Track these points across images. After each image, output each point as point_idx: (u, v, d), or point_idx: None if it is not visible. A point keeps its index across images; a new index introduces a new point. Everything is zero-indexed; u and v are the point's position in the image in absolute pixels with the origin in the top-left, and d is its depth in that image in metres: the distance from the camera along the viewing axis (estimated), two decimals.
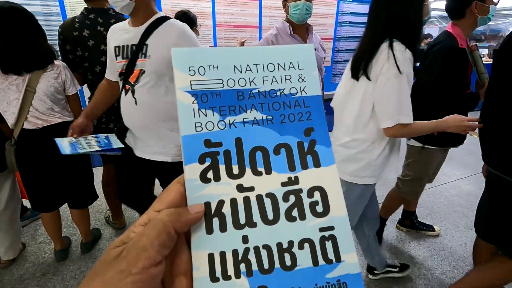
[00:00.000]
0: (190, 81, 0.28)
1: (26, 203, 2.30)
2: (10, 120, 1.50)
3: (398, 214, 2.22)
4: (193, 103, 0.27)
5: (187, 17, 2.26)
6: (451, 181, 2.98)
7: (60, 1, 2.61)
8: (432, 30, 9.55)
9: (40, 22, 1.61)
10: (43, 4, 2.56)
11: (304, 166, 0.28)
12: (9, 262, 1.81)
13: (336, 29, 3.98)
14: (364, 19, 4.51)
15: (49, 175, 1.63)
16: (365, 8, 4.05)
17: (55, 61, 1.53)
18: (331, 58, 4.10)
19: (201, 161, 0.26)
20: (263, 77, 0.29)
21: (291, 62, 0.30)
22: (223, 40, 3.34)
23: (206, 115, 0.27)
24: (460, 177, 3.05)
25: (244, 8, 3.33)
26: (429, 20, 9.95)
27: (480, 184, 2.90)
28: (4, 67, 1.40)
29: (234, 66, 0.29)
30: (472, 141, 4.29)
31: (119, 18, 1.70)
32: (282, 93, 0.29)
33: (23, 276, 1.75)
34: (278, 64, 0.29)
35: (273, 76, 0.29)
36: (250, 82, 0.29)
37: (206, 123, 0.27)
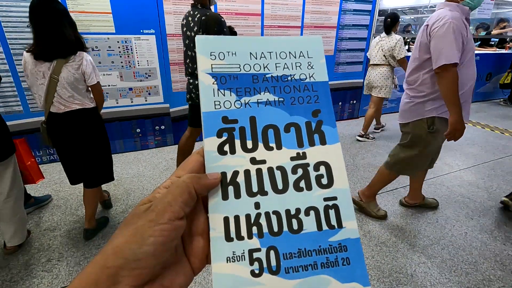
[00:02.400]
0: (211, 64, 0.31)
1: (30, 190, 2.32)
2: (38, 102, 1.70)
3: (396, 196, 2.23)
4: (213, 84, 0.30)
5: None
6: (453, 171, 2.97)
7: None
8: None
9: None
10: None
11: (312, 143, 0.30)
12: (15, 248, 1.84)
13: (339, 17, 3.90)
14: (369, 7, 4.43)
15: (71, 153, 1.82)
16: None
17: (80, 52, 1.65)
18: (334, 47, 4.04)
19: (219, 135, 0.29)
20: (276, 63, 0.32)
21: (301, 51, 0.33)
22: None
23: (224, 95, 0.30)
24: (462, 168, 3.05)
25: None
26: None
27: (481, 175, 2.90)
28: (36, 54, 1.55)
29: (250, 53, 0.32)
30: (474, 132, 4.29)
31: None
32: (293, 78, 0.32)
33: (28, 261, 1.78)
34: (290, 52, 0.33)
35: (285, 63, 0.32)
36: (264, 68, 0.32)
37: (224, 102, 0.30)
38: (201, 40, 0.31)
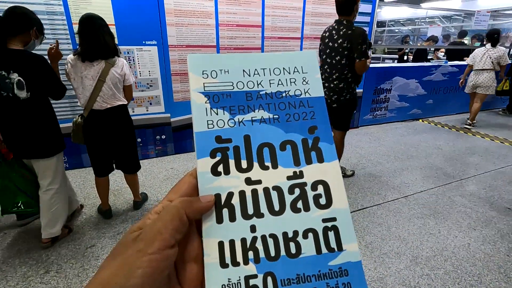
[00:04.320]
0: (203, 83, 0.30)
1: None
2: (82, 101, 1.93)
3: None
4: (205, 102, 0.30)
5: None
6: (454, 181, 2.96)
7: (64, 0, 2.62)
8: (435, 30, 9.48)
9: (44, 21, 1.98)
10: (47, 3, 2.57)
11: (309, 161, 0.29)
12: (47, 240, 1.96)
13: None
14: (367, 19, 4.54)
15: (108, 146, 2.07)
16: (367, 8, 4.04)
17: (119, 58, 1.96)
18: None
19: (213, 155, 0.28)
20: (269, 80, 0.31)
21: (295, 67, 0.32)
22: (225, 40, 3.34)
23: (217, 114, 0.30)
24: (463, 177, 3.04)
25: (247, 7, 3.33)
26: (432, 20, 9.91)
27: (482, 185, 2.90)
28: (84, 56, 1.83)
29: (243, 70, 0.31)
30: (474, 141, 4.29)
31: None
32: (288, 95, 0.31)
33: (27, 273, 1.76)
34: (284, 68, 0.32)
35: (279, 79, 0.32)
36: (258, 85, 0.31)
37: (217, 121, 0.29)
38: (192, 58, 0.30)
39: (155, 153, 3.44)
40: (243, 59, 0.32)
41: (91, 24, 1.83)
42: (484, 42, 4.82)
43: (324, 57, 2.62)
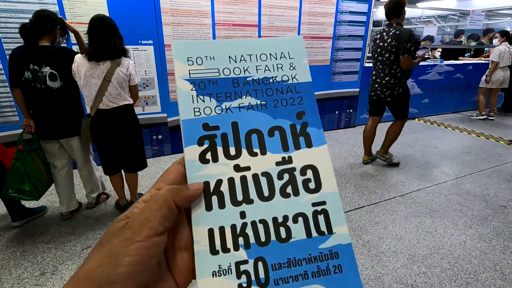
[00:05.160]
0: (189, 70, 0.30)
1: (24, 202, 2.29)
2: (88, 100, 1.95)
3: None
4: (191, 90, 0.29)
5: None
6: (450, 179, 2.98)
7: (58, 1, 2.59)
8: (431, 29, 9.54)
9: None
10: (42, 2, 2.54)
11: (297, 147, 0.29)
12: (94, 203, 2.38)
13: (335, 28, 3.97)
14: (363, 18, 4.56)
15: (115, 144, 2.10)
16: (364, 7, 4.05)
17: (125, 58, 1.98)
18: (330, 57, 4.10)
19: (200, 143, 0.28)
20: (256, 66, 0.31)
21: (282, 52, 0.32)
22: (222, 39, 3.33)
23: (204, 101, 0.29)
24: (459, 176, 3.06)
25: (243, 6, 3.32)
26: (428, 19, 9.97)
27: (478, 183, 2.92)
28: (91, 56, 1.85)
29: (229, 57, 0.31)
30: (470, 140, 4.32)
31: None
32: (275, 80, 0.31)
33: (22, 275, 1.74)
34: (270, 54, 0.32)
35: (266, 65, 0.31)
36: (244, 71, 0.31)
37: (204, 108, 0.29)
38: (177, 45, 0.30)
39: (152, 153, 3.43)
40: (229, 45, 0.31)
41: (101, 26, 1.86)
42: (498, 41, 5.07)
43: (376, 56, 2.96)
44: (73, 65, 1.90)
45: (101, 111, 1.98)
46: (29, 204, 2.36)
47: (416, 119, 5.32)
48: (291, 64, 0.32)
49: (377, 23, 11.45)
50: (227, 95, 0.30)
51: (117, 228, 0.23)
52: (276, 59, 0.32)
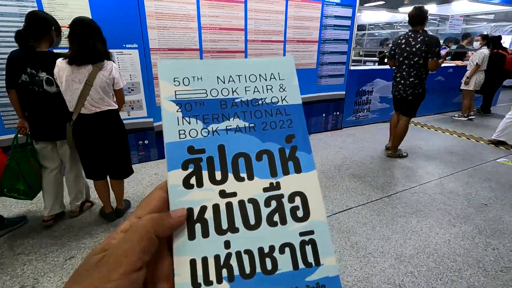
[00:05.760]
0: (175, 91, 0.29)
1: (3, 211, 2.19)
2: (70, 104, 1.90)
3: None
4: (177, 111, 0.29)
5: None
6: (434, 179, 3.06)
7: (38, 2, 2.52)
8: None
9: (17, 24, 2.15)
10: (20, 5, 2.46)
11: (286, 172, 0.29)
12: (78, 211, 2.34)
13: (320, 32, 4.03)
14: (348, 22, 4.64)
15: (99, 150, 2.05)
16: (348, 12, 4.14)
17: (108, 61, 1.92)
18: (316, 60, 4.15)
19: (184, 167, 0.27)
20: (245, 87, 0.30)
21: (272, 73, 0.31)
22: (208, 43, 3.32)
23: (190, 123, 0.28)
24: (443, 175, 3.15)
25: (229, 10, 3.33)
26: (405, 23, 10.32)
27: (460, 182, 3.00)
28: (71, 60, 1.80)
29: (218, 77, 0.30)
30: (452, 141, 4.45)
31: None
32: (264, 102, 0.30)
33: None
34: (260, 75, 0.31)
35: (255, 86, 0.31)
36: (233, 92, 0.30)
37: (189, 131, 0.28)
38: (163, 65, 0.29)
39: (138, 159, 3.36)
40: (217, 66, 0.31)
41: (82, 28, 1.81)
42: (479, 44, 5.29)
43: (401, 59, 3.25)
44: (54, 69, 1.84)
45: (83, 116, 1.93)
46: (8, 213, 2.26)
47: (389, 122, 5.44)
48: (281, 85, 0.31)
49: (361, 27, 11.71)
50: (214, 117, 0.29)
51: (92, 263, 0.22)
52: (266, 80, 0.31)
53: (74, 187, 2.28)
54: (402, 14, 9.01)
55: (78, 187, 2.30)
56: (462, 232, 2.20)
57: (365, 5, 12.81)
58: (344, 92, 4.58)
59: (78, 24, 1.82)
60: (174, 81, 0.29)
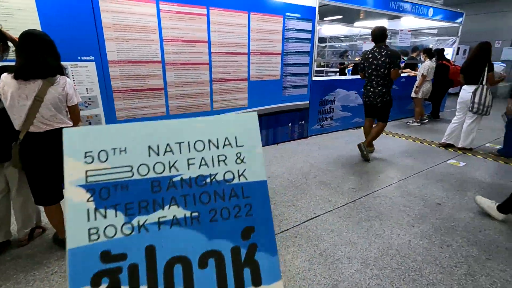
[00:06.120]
0: (86, 171, 0.20)
1: None
2: (17, 122, 1.75)
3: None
4: (88, 201, 0.22)
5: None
6: (394, 182, 3.24)
7: None
8: (369, 45, 10.57)
9: None
10: None
11: (240, 284, 0.19)
12: (27, 239, 2.13)
13: (283, 45, 4.16)
14: (308, 35, 4.83)
15: (50, 172, 1.88)
16: (308, 25, 4.32)
17: (62, 76, 1.83)
18: (280, 72, 4.26)
19: (95, 283, 0.18)
20: (188, 159, 0.21)
21: (226, 138, 0.22)
22: (171, 55, 3.26)
23: (105, 217, 0.21)
24: (401, 178, 3.34)
25: (191, 23, 3.31)
26: (364, 37, 11.06)
27: (417, 184, 3.21)
28: (17, 74, 1.68)
29: (149, 147, 0.21)
30: (408, 145, 4.77)
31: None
32: (214, 180, 0.24)
33: None
34: (210, 141, 0.22)
35: (202, 158, 0.23)
36: (170, 168, 0.22)
37: (105, 229, 0.20)
38: (69, 135, 0.19)
39: None
40: (150, 130, 0.21)
41: (30, 40, 1.72)
42: (423, 58, 5.92)
43: (369, 71, 3.75)
44: (0, 84, 1.71)
45: (32, 135, 1.78)
46: None
47: (362, 128, 5.74)
48: (239, 154, 0.23)
49: (322, 39, 12.31)
50: (142, 205, 0.20)
51: None
52: (218, 147, 0.23)
53: (22, 213, 2.07)
54: (358, 28, 9.65)
55: (28, 213, 2.09)
56: (421, 231, 2.34)
57: (324, 19, 13.52)
58: (308, 102, 4.73)
59: (27, 36, 1.72)
60: (85, 156, 0.21)
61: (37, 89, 1.72)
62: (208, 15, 3.39)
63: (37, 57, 1.71)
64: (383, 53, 3.60)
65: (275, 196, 2.86)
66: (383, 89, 3.72)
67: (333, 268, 1.92)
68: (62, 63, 2.75)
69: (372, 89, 3.79)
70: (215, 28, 3.48)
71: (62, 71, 1.87)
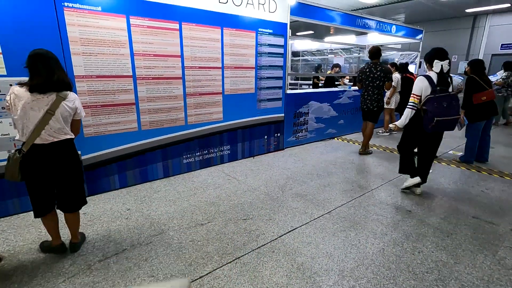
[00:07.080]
0: None
1: None
2: (23, 133, 1.81)
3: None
4: None
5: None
6: (367, 192, 3.33)
7: None
8: (339, 59, 11.05)
9: None
10: None
11: None
12: None
13: (256, 59, 4.23)
14: (281, 50, 4.95)
15: (51, 182, 1.96)
16: (280, 41, 4.44)
17: (71, 93, 1.93)
18: (254, 85, 4.31)
19: None
20: None
21: None
22: (143, 69, 3.20)
23: None
24: (374, 187, 3.45)
25: (163, 37, 3.28)
26: (335, 51, 11.58)
27: (388, 192, 3.32)
28: (34, 88, 1.76)
29: None
30: (379, 154, 4.95)
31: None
32: None
33: None
34: None
35: None
36: None
37: None
38: None
39: None
40: None
41: (44, 60, 1.80)
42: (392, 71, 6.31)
43: (367, 82, 4.57)
44: (7, 96, 1.78)
45: (37, 146, 1.84)
46: None
47: (335, 139, 5.91)
48: None
49: (295, 53, 12.71)
50: None
51: None
52: None
53: None
54: (328, 43, 10.10)
55: None
56: (393, 239, 2.40)
57: (297, 34, 14.00)
58: (283, 115, 4.81)
59: (38, 56, 1.80)
60: None
61: (50, 102, 1.81)
62: (180, 30, 3.39)
63: (54, 74, 1.81)
64: (378, 69, 4.47)
65: (252, 211, 2.83)
66: (378, 96, 4.57)
67: (311, 282, 1.90)
68: (23, 78, 2.65)
69: (369, 98, 4.60)
70: (188, 42, 3.48)
71: (71, 87, 1.95)
